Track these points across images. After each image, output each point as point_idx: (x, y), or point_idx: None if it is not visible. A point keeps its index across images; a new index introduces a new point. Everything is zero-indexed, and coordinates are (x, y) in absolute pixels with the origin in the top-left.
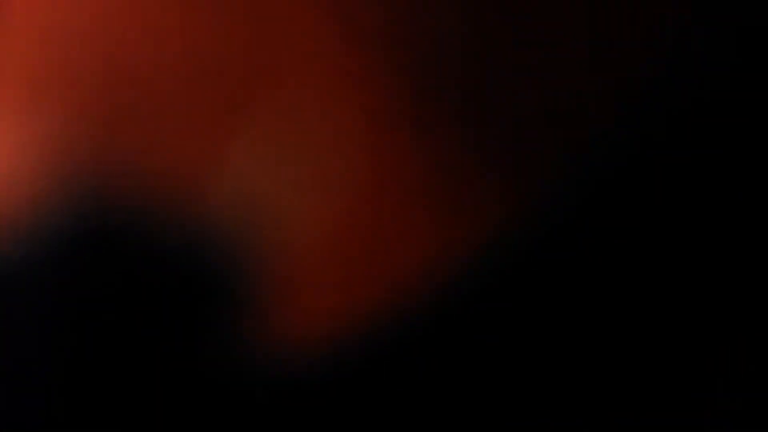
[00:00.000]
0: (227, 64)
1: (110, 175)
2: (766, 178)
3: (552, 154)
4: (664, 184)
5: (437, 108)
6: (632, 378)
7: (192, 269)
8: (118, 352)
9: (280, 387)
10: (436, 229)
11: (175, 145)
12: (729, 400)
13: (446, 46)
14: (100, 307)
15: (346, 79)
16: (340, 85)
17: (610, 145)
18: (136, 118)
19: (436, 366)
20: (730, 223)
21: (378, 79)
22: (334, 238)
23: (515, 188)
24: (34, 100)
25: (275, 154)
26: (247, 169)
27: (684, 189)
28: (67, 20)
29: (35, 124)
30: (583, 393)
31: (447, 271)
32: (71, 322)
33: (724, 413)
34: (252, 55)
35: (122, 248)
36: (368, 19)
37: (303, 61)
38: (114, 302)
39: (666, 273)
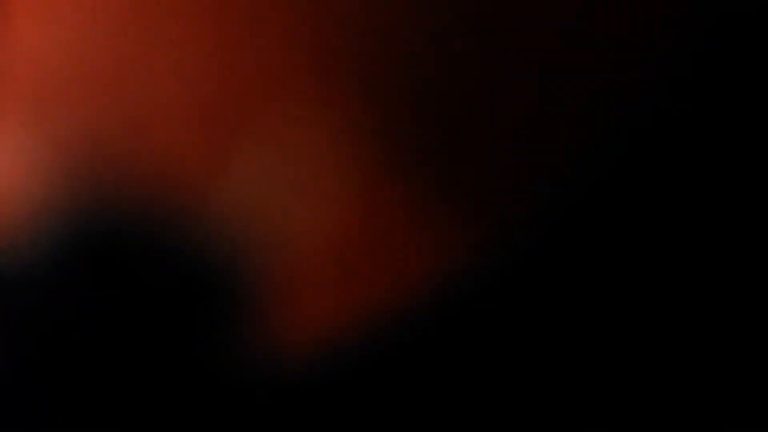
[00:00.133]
0: (230, 70)
1: (112, 178)
2: (766, 178)
3: (547, 158)
4: (662, 189)
5: (435, 116)
6: (631, 379)
7: (193, 271)
8: (119, 352)
9: (280, 387)
10: (433, 231)
11: (177, 149)
12: (729, 400)
13: (440, 45)
14: (102, 307)
15: (343, 88)
16: (339, 92)
17: (606, 150)
18: (137, 121)
19: (435, 367)
20: (730, 224)
21: (375, 87)
22: (333, 240)
23: (514, 190)
24: (36, 104)
25: (275, 158)
26: (248, 172)
27: (683, 189)
28: (70, 25)
29: (37, 127)
30: (582, 395)
31: (444, 273)
32: (73, 323)
33: (724, 413)
34: (254, 64)
35: (123, 250)
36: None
37: (302, 72)
38: (115, 303)
39: (665, 276)
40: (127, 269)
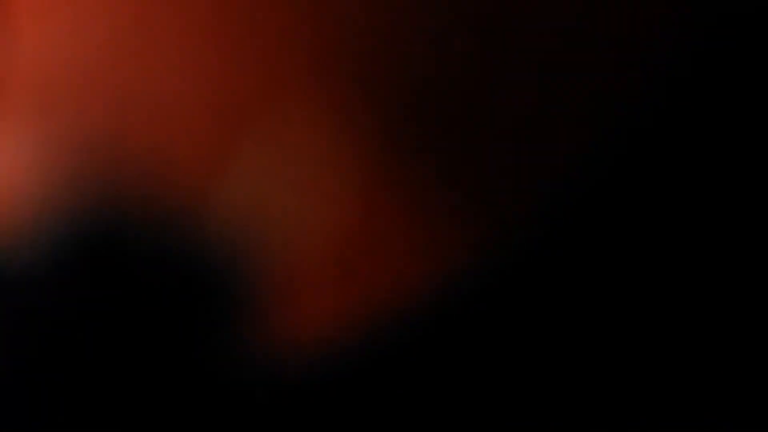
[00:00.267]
0: (230, 70)
1: (112, 178)
2: (766, 178)
3: (547, 158)
4: (662, 189)
5: (435, 116)
6: (631, 379)
7: (193, 271)
8: (120, 352)
9: (280, 387)
10: (433, 231)
11: (177, 148)
12: (729, 400)
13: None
14: (102, 307)
15: (343, 88)
16: (339, 92)
17: (606, 150)
18: (138, 121)
19: (434, 367)
20: (730, 224)
21: (375, 87)
22: (333, 240)
23: (514, 190)
24: (36, 103)
25: (276, 158)
26: (248, 172)
27: (683, 189)
28: (70, 25)
29: (38, 127)
30: (581, 395)
31: (444, 273)
32: (74, 323)
33: (724, 413)
34: (254, 64)
35: (124, 250)
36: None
37: (302, 72)
38: (115, 302)
39: (665, 276)
40: (127, 269)
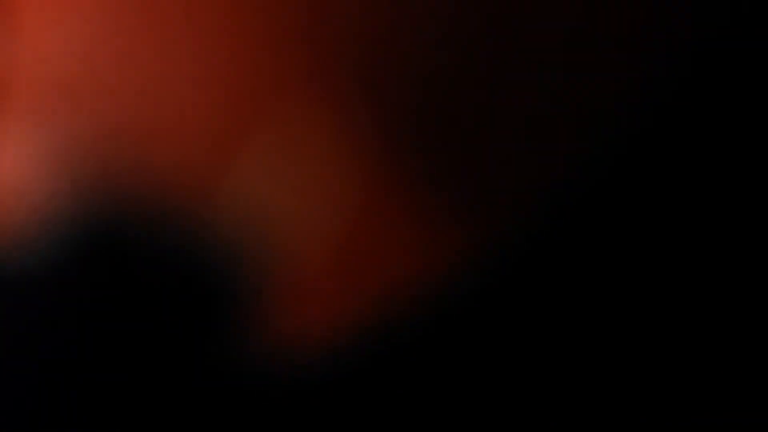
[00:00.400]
0: (231, 72)
1: (115, 179)
2: (766, 178)
3: (547, 158)
4: (662, 189)
5: (435, 116)
6: (630, 379)
7: (195, 271)
8: (121, 352)
9: (280, 387)
10: (433, 231)
11: (179, 150)
12: (729, 400)
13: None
14: (104, 307)
15: (343, 89)
16: (339, 93)
17: (606, 150)
18: (141, 122)
19: (434, 367)
20: (730, 224)
21: (375, 87)
22: (333, 240)
23: (514, 190)
24: (40, 104)
25: (276, 159)
26: (249, 173)
27: (683, 190)
28: (75, 26)
29: (41, 128)
30: (581, 395)
31: (444, 273)
32: (75, 323)
33: (724, 413)
34: (255, 65)
35: (126, 251)
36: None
37: (303, 72)
38: (118, 304)
39: (665, 276)
40: (128, 269)
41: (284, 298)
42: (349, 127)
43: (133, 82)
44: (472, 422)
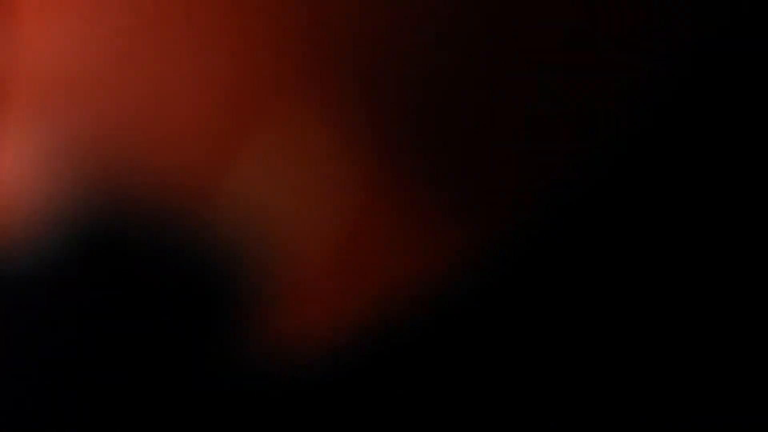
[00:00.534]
0: (231, 72)
1: (114, 179)
2: (766, 178)
3: (547, 158)
4: (662, 189)
5: (435, 116)
6: (630, 379)
7: (195, 271)
8: (121, 352)
9: (280, 387)
10: (433, 231)
11: (179, 150)
12: (729, 400)
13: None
14: (104, 307)
15: (343, 89)
16: (339, 93)
17: (606, 150)
18: (141, 122)
19: (434, 367)
20: (730, 224)
21: (375, 87)
22: (333, 240)
23: (514, 190)
24: (40, 104)
25: (276, 159)
26: (249, 173)
27: (683, 190)
28: (75, 25)
29: (41, 128)
30: (581, 394)
31: (444, 273)
32: (76, 323)
33: (724, 413)
34: (255, 65)
35: (126, 251)
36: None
37: (302, 73)
38: (118, 304)
39: (665, 276)
40: (128, 270)
41: (284, 298)
42: (349, 127)
43: (133, 82)
44: (472, 422)
